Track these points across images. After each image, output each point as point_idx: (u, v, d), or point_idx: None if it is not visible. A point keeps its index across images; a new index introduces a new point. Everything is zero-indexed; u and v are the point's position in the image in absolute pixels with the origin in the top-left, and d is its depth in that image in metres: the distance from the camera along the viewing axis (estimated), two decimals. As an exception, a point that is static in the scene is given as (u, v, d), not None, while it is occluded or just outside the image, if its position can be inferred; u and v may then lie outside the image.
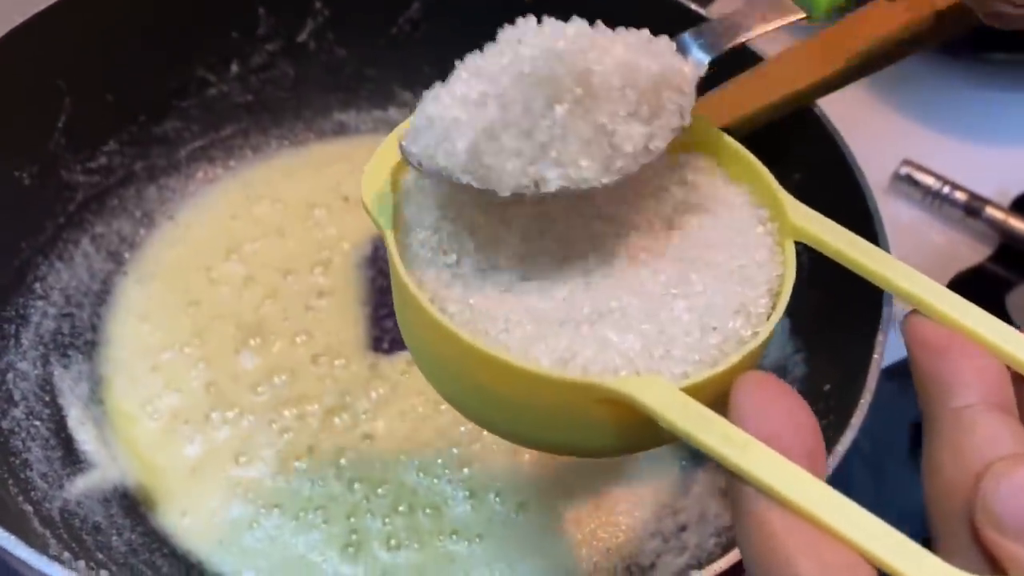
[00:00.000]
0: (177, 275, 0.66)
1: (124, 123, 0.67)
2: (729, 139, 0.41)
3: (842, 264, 0.37)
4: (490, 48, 0.35)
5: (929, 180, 0.78)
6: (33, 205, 0.61)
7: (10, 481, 0.52)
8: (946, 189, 0.77)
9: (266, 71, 0.71)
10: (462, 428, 0.59)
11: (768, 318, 0.36)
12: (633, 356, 0.34)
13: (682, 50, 0.40)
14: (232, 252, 0.67)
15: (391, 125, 0.74)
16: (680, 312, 0.36)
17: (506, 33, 0.35)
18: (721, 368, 0.34)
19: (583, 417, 0.35)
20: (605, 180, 0.35)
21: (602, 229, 0.39)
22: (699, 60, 0.40)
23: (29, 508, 0.51)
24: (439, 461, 0.58)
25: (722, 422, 0.32)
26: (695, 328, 0.35)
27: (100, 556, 0.51)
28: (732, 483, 0.31)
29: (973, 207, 0.76)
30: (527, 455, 0.58)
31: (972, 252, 0.76)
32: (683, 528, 0.55)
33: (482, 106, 0.34)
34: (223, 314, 0.64)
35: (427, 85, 0.76)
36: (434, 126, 0.34)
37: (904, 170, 0.78)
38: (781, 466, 0.30)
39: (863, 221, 0.54)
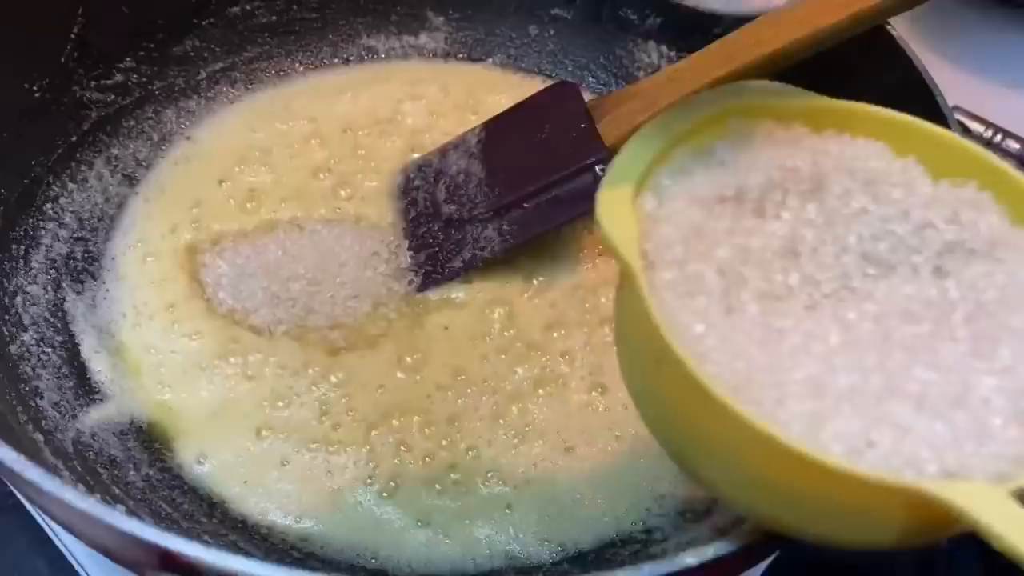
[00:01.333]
0: (188, 191, 0.62)
1: (141, 39, 0.63)
2: (1010, 170, 0.35)
3: None
4: None
5: (980, 127, 0.75)
6: (43, 121, 0.57)
7: (19, 408, 0.48)
8: (998, 137, 0.74)
9: (291, -10, 0.67)
10: (502, 357, 0.55)
11: None
12: (942, 448, 0.28)
13: None
14: (252, 198, 0.62)
15: (422, 52, 0.70)
16: (989, 393, 0.30)
17: None
18: None
19: (871, 515, 0.30)
20: None
21: (860, 267, 0.34)
22: None
23: (40, 437, 0.47)
24: (483, 399, 0.54)
25: None
26: (1009, 413, 0.29)
27: (116, 491, 0.48)
28: None
29: (1027, 156, 0.73)
30: (575, 399, 0.54)
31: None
32: (741, 473, 0.51)
33: None
34: (246, 238, 0.60)
35: (462, 9, 0.72)
36: None
37: (955, 117, 0.74)
38: None
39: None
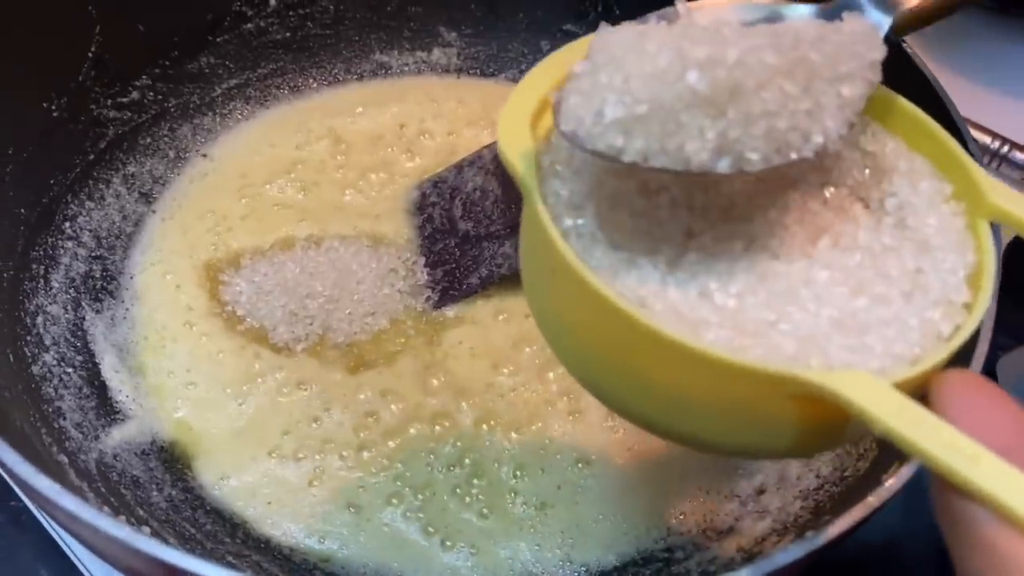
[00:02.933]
0: (204, 208, 0.62)
1: (157, 57, 0.63)
2: (909, 105, 0.36)
3: None
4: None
5: (987, 139, 0.74)
6: (62, 140, 0.58)
7: (43, 430, 0.48)
8: (1006, 148, 0.74)
9: (305, 7, 0.67)
10: (520, 374, 0.56)
11: (969, 309, 0.31)
12: (827, 345, 0.29)
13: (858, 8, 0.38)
14: (268, 215, 0.62)
15: (435, 67, 0.70)
16: (877, 300, 0.31)
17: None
18: (927, 366, 0.29)
19: (763, 414, 0.30)
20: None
21: (771, 192, 0.34)
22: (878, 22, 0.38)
23: (64, 459, 0.47)
24: (502, 416, 0.54)
25: (947, 428, 0.27)
26: (892, 319, 0.30)
27: (141, 512, 0.48)
28: (953, 501, 0.26)
29: (1034, 168, 0.73)
30: (593, 416, 0.54)
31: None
32: (762, 491, 0.51)
33: None
34: (264, 256, 0.60)
35: (475, 25, 0.72)
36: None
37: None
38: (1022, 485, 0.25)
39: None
